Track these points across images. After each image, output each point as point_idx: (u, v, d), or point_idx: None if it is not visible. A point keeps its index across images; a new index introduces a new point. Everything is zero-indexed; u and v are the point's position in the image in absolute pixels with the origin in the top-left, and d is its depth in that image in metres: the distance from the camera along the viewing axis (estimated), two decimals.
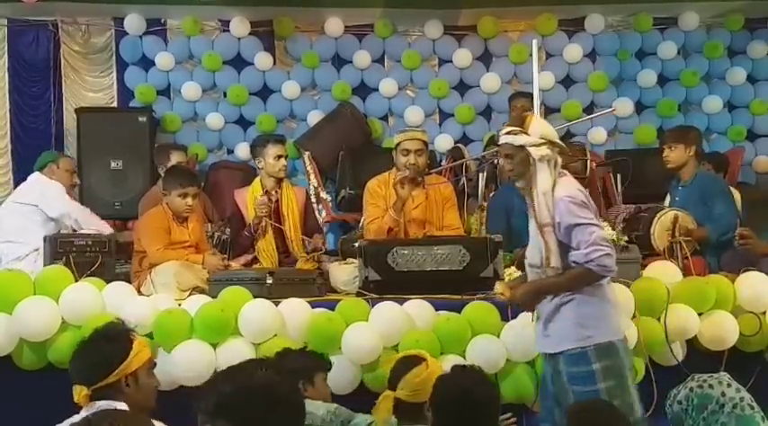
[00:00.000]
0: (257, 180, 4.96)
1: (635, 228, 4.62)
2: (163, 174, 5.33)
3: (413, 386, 2.76)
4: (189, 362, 3.59)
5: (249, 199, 4.85)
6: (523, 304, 3.17)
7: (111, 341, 2.54)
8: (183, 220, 4.60)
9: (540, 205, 3.01)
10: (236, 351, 3.56)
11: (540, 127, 3.12)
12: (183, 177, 4.63)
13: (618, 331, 3.09)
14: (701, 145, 4.99)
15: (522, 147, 3.07)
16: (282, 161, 4.87)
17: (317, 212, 5.47)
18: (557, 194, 3.02)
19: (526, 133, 3.08)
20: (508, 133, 3.12)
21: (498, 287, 3.28)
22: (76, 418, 2.35)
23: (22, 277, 3.92)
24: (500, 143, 3.18)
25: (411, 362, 2.87)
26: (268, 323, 3.64)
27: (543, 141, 3.06)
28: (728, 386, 2.31)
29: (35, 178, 5.13)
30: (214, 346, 3.65)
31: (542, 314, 3.11)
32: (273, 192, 4.86)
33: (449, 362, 3.28)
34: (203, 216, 5.04)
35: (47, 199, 4.93)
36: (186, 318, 3.66)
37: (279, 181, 4.90)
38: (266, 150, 4.85)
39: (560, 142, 3.16)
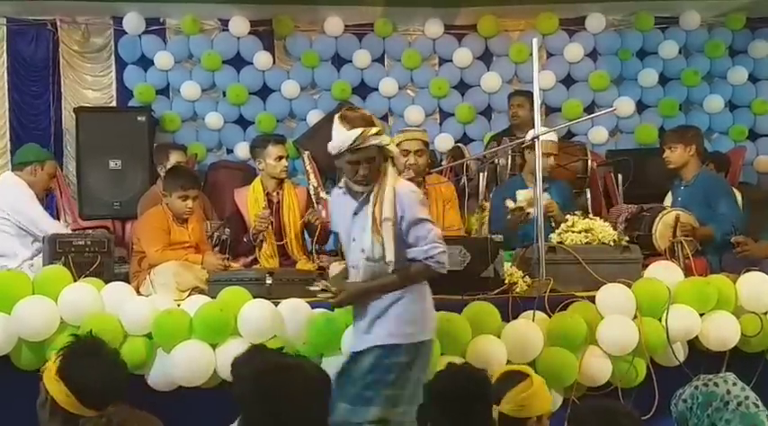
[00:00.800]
0: (257, 180, 4.92)
1: (637, 228, 4.61)
2: (163, 174, 5.32)
3: (518, 402, 2.77)
4: (188, 363, 3.57)
5: (249, 199, 4.81)
6: (349, 303, 3.11)
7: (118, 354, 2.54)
8: (183, 221, 4.59)
9: (387, 200, 2.98)
10: (235, 352, 3.50)
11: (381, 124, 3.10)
12: (184, 179, 4.61)
13: (433, 330, 3.15)
14: (701, 144, 4.99)
15: (383, 148, 3.04)
16: (284, 162, 4.83)
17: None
18: (400, 188, 3.03)
19: (384, 133, 3.06)
20: (376, 135, 3.02)
21: (320, 284, 3.12)
22: None
23: (21, 277, 3.90)
24: (368, 145, 3.02)
25: (515, 378, 2.87)
26: (267, 323, 3.61)
27: (389, 138, 3.07)
28: (734, 384, 2.31)
29: (7, 182, 4.91)
30: (213, 346, 3.63)
31: (367, 312, 3.06)
32: (275, 194, 4.84)
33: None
34: (203, 216, 5.02)
35: (17, 205, 4.74)
36: (185, 318, 3.64)
37: (280, 181, 4.87)
38: (267, 151, 4.81)
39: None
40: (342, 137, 3.06)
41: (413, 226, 3.01)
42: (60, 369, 2.35)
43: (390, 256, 2.97)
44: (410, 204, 3.02)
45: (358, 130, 3.01)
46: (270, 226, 4.70)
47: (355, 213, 3.10)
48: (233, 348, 3.57)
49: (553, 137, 4.93)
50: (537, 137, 4.14)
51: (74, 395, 2.31)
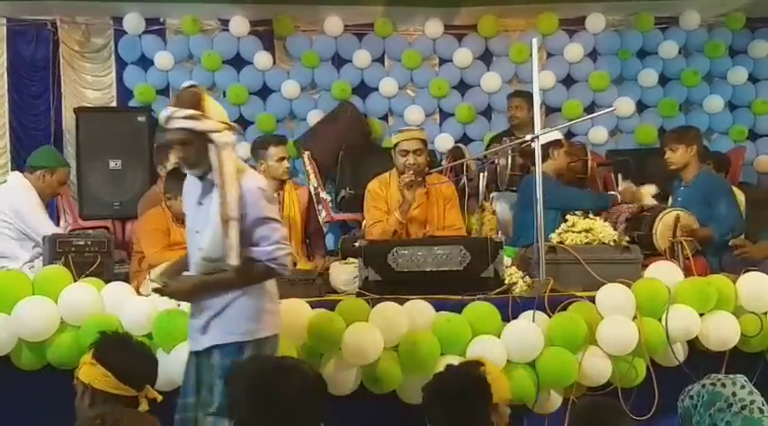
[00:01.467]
0: None
1: (637, 228, 4.60)
2: (165, 176, 5.31)
3: None
4: None
5: None
6: (184, 298, 3.02)
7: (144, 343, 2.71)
8: (182, 221, 4.59)
9: (230, 195, 2.83)
10: None
11: (217, 109, 2.96)
12: None
13: (278, 325, 3.08)
14: (701, 143, 4.99)
15: (203, 134, 2.87)
16: (285, 163, 4.77)
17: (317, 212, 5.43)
18: (245, 183, 2.90)
19: (207, 117, 2.89)
20: (188, 117, 2.85)
21: (158, 280, 3.04)
22: None
23: (20, 277, 3.90)
24: (175, 127, 2.87)
25: (472, 366, 2.88)
26: None
27: (225, 125, 2.91)
28: (742, 387, 2.30)
29: (13, 184, 4.86)
30: None
31: (203, 310, 2.98)
32: (276, 194, 4.80)
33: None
34: None
35: (18, 208, 4.67)
36: (185, 319, 3.63)
37: (281, 182, 4.85)
38: (268, 152, 4.76)
39: (235, 124, 3.02)
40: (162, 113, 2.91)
41: (257, 225, 2.90)
42: (95, 354, 2.48)
43: (234, 259, 2.83)
44: (254, 201, 2.89)
45: (168, 110, 2.88)
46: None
47: (199, 203, 2.99)
48: None
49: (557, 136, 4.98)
50: (536, 137, 4.14)
51: (111, 374, 2.43)
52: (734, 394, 2.27)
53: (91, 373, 2.45)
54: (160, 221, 4.55)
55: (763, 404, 2.29)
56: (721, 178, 5.31)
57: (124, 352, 2.50)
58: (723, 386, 2.30)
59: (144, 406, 2.44)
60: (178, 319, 3.64)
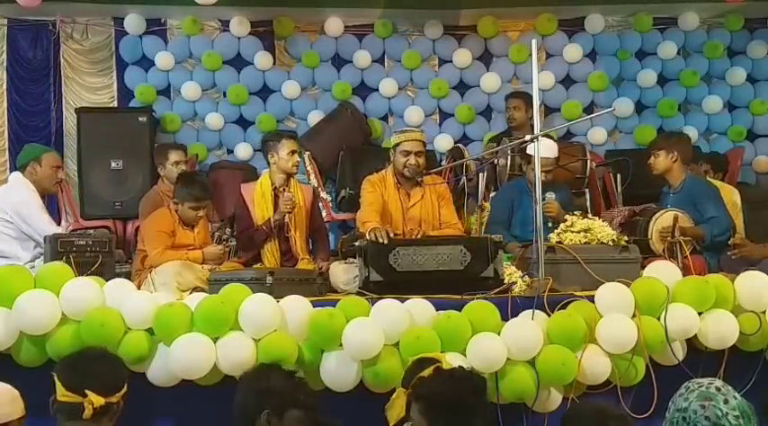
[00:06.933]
0: (265, 176, 4.87)
1: (631, 233, 4.58)
2: (162, 174, 5.35)
3: None
4: (189, 356, 3.57)
5: (257, 195, 4.77)
6: None
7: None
8: (189, 226, 4.62)
9: None
10: (236, 345, 3.56)
11: None
12: (197, 190, 4.63)
13: None
14: (685, 150, 4.92)
15: None
16: (296, 157, 4.77)
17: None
18: None
19: None
20: None
21: None
22: None
23: (22, 271, 3.89)
24: None
25: (426, 363, 2.88)
26: (268, 317, 3.63)
27: None
28: (725, 403, 2.26)
29: (14, 184, 4.85)
30: (214, 340, 3.64)
31: None
32: (282, 189, 4.78)
33: (449, 360, 3.27)
34: (206, 218, 5.02)
35: (18, 207, 4.67)
36: (186, 312, 3.65)
37: (287, 178, 4.83)
38: (280, 145, 4.75)
39: None
40: None
41: None
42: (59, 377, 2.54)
43: None
44: None
45: None
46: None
47: None
48: (234, 341, 3.59)
49: (551, 152, 4.90)
50: (536, 137, 4.15)
51: (58, 381, 2.53)
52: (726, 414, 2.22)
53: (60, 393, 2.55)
54: (167, 222, 4.57)
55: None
56: (708, 182, 5.20)
57: (71, 360, 2.58)
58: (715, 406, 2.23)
59: (88, 413, 2.46)
60: (179, 313, 3.65)
